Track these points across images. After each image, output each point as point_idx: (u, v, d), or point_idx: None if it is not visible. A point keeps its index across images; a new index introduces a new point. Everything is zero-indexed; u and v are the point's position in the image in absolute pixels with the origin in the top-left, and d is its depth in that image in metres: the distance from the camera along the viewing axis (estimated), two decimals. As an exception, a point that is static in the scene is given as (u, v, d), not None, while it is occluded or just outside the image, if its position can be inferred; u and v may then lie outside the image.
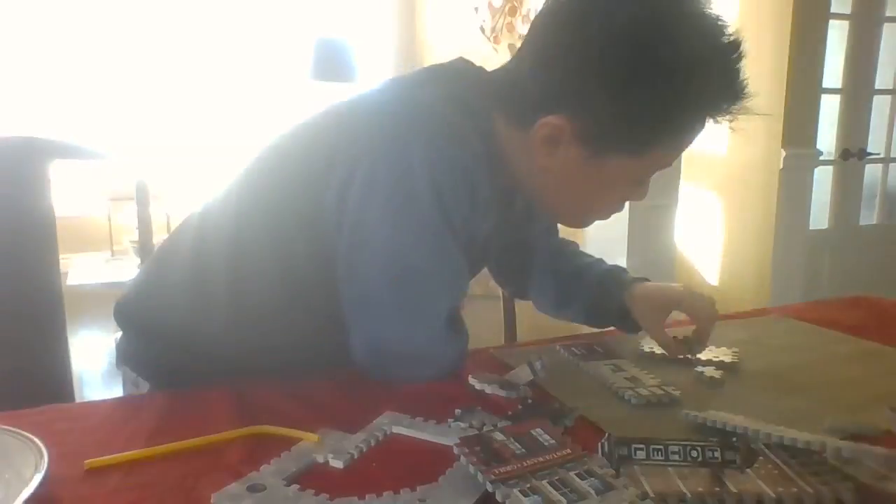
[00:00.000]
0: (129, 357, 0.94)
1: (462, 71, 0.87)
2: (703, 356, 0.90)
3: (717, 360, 0.89)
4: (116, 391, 1.04)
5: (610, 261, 1.06)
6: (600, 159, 0.78)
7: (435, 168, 0.76)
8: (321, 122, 0.85)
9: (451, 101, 0.80)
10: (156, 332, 0.91)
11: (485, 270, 1.05)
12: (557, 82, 0.75)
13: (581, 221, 0.92)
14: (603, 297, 0.98)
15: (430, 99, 0.80)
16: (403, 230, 0.78)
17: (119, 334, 0.97)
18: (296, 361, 0.82)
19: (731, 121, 0.77)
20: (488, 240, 0.88)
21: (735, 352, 0.92)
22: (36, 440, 0.58)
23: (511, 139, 0.82)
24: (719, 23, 0.73)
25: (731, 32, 0.74)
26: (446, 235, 0.78)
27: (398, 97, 0.83)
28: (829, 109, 3.07)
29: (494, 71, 0.85)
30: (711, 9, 0.74)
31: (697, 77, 0.72)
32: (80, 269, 2.97)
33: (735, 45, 0.74)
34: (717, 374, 0.84)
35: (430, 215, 0.76)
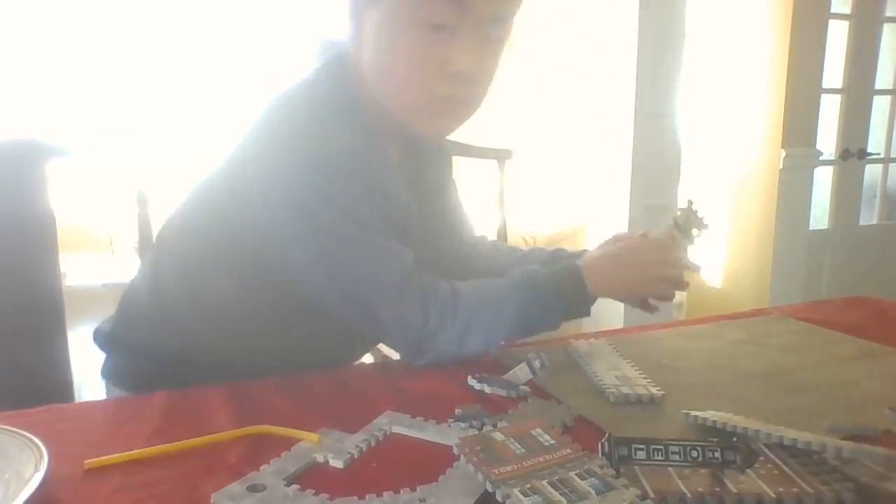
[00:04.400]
0: (111, 374, 0.97)
1: (326, 65, 0.88)
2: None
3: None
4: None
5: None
6: None
7: (324, 187, 0.78)
8: (242, 143, 0.87)
9: (316, 98, 0.83)
10: (129, 348, 0.94)
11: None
12: None
13: (427, 111, 0.82)
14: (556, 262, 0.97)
15: (299, 111, 0.82)
16: (330, 254, 0.80)
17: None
18: (267, 365, 0.83)
19: None
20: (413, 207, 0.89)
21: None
22: (36, 440, 0.58)
23: (361, 70, 0.83)
24: None
25: None
26: (363, 235, 0.80)
27: (278, 123, 0.83)
28: (829, 109, 3.07)
29: None
30: None
31: None
32: (79, 270, 2.96)
33: None
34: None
35: (345, 230, 0.79)
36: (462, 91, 0.79)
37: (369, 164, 0.81)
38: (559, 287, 0.85)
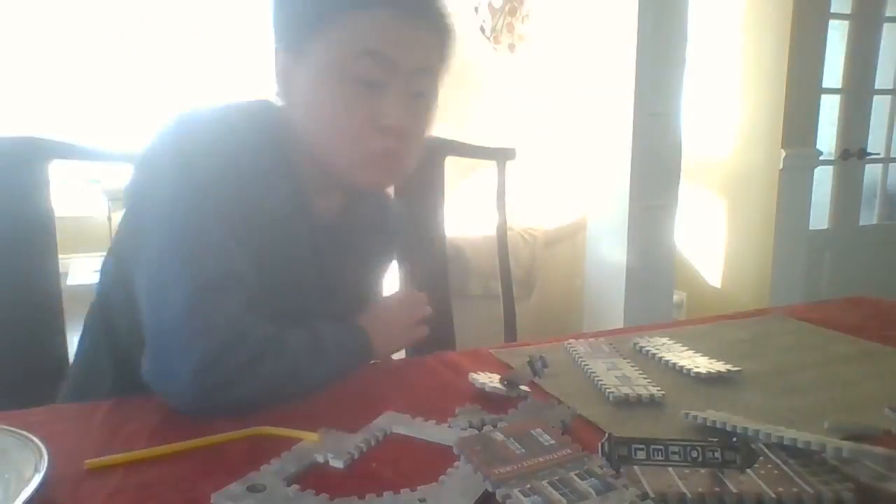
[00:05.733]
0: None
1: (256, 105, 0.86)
2: (698, 367, 0.85)
3: (714, 372, 0.84)
4: (116, 391, 1.03)
5: (609, 261, 1.06)
6: (304, 54, 0.78)
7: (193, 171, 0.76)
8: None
9: (240, 142, 0.80)
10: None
11: (486, 269, 1.04)
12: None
13: (362, 165, 0.81)
14: None
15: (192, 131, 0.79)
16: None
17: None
18: None
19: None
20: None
21: (730, 368, 0.84)
22: (36, 440, 0.58)
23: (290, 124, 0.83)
24: None
25: None
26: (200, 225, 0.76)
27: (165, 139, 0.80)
28: (829, 109, 3.07)
29: None
30: None
31: None
32: (80, 269, 2.97)
33: None
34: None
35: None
36: (395, 145, 0.80)
37: (261, 185, 0.79)
38: (341, 344, 0.84)
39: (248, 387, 0.72)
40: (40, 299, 1.02)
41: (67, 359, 1.04)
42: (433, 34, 0.81)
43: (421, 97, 0.82)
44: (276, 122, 0.84)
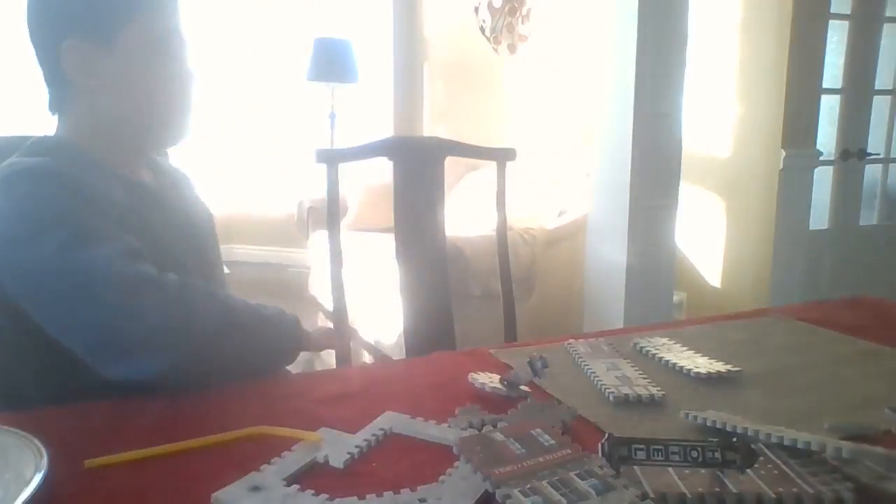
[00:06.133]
0: None
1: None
2: (698, 367, 0.86)
3: (714, 372, 0.84)
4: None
5: (609, 261, 1.06)
6: (115, 42, 0.89)
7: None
8: None
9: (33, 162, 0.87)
10: None
11: (486, 269, 1.05)
12: (44, 21, 0.91)
13: (188, 113, 0.99)
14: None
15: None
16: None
17: None
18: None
19: None
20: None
21: (730, 368, 0.85)
22: (36, 440, 0.58)
23: (82, 123, 0.93)
24: None
25: None
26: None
27: None
28: (829, 109, 3.07)
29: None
30: None
31: None
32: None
33: None
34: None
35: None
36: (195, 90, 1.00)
37: (78, 178, 0.85)
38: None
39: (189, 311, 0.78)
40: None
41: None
42: None
43: None
44: (57, 141, 0.93)
